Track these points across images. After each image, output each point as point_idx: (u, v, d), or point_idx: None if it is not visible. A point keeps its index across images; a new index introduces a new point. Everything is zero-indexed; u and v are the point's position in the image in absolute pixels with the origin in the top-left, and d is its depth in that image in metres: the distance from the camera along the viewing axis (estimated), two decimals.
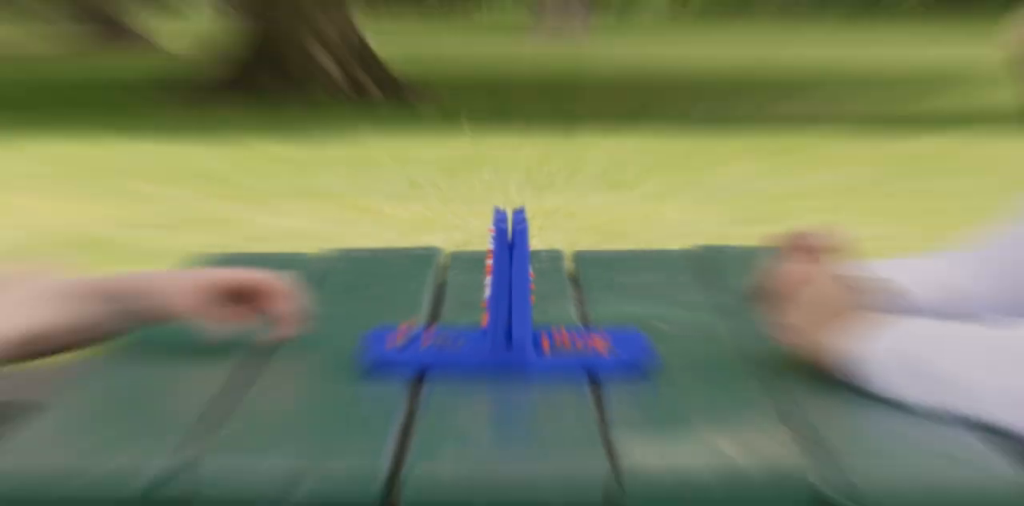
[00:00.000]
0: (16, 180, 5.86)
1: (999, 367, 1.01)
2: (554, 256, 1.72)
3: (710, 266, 1.67)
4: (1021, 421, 0.97)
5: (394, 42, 12.04)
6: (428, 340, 1.19)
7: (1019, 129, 7.06)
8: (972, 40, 14.43)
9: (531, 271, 1.12)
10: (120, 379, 1.19)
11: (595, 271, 1.67)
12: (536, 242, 1.18)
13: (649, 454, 0.95)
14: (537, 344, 1.15)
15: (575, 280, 1.59)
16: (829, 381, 1.11)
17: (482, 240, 1.18)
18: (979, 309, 1.22)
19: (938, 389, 1.02)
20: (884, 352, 1.05)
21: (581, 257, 1.74)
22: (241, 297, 1.20)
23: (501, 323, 1.11)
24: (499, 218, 1.10)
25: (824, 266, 1.15)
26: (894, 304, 1.17)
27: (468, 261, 1.72)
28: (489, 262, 1.10)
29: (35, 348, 1.21)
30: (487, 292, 1.11)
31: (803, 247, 1.18)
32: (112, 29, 15.66)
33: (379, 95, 9.49)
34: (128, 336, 1.26)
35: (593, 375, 1.12)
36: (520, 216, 1.09)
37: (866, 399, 1.09)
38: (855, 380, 1.07)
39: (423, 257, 1.76)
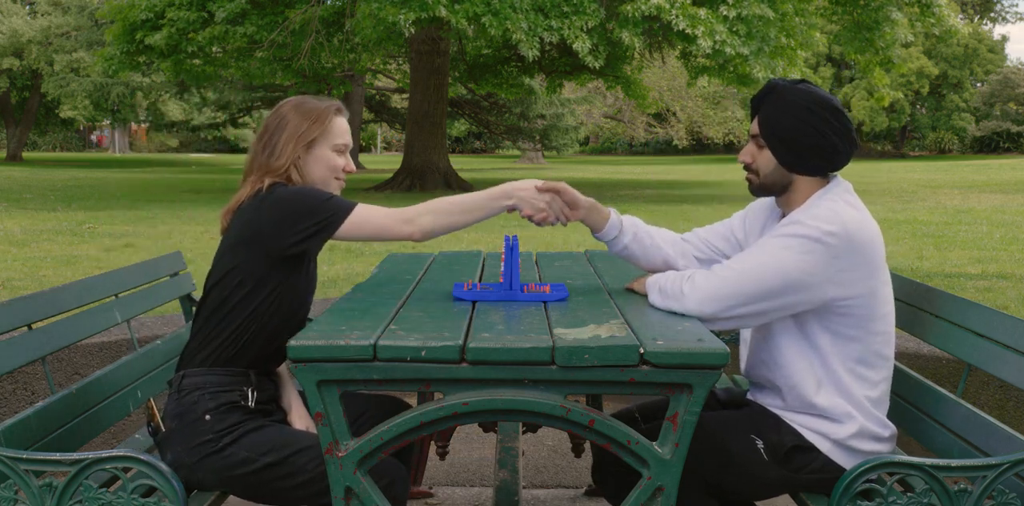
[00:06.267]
0: None
1: (674, 288, 2.31)
2: (528, 254, 3.21)
3: (591, 258, 3.20)
4: (677, 305, 2.29)
5: (458, 164, 26.30)
6: (478, 287, 2.50)
7: None
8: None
9: (519, 260, 2.45)
10: (345, 304, 2.36)
11: (544, 259, 3.18)
12: (521, 248, 2.74)
13: (566, 334, 2.01)
14: (521, 288, 2.45)
15: (536, 263, 3.05)
16: (642, 303, 2.38)
17: (501, 246, 2.75)
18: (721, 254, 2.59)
19: (659, 298, 2.33)
20: (650, 283, 2.38)
21: (540, 254, 3.22)
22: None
23: (507, 280, 2.41)
24: (507, 239, 2.41)
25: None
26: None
27: (493, 256, 3.25)
28: (502, 256, 2.43)
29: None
30: (502, 268, 2.43)
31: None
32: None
33: (458, 189, 20.09)
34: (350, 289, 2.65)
35: (544, 302, 2.40)
36: (514, 238, 2.41)
37: (655, 312, 2.30)
38: (648, 296, 2.38)
39: (475, 254, 3.28)
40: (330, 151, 2.50)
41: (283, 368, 2.64)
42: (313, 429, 2.52)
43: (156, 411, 2.46)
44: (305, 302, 2.54)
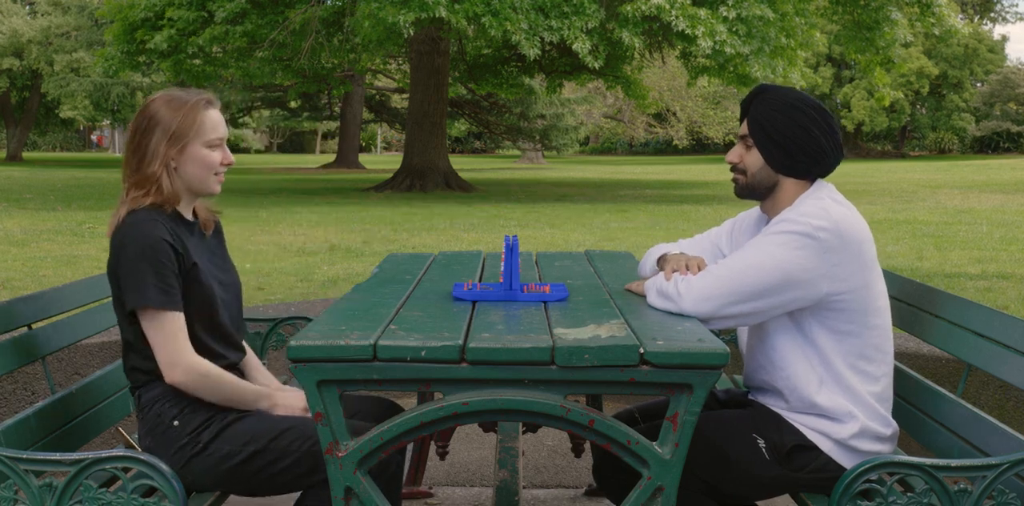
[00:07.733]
0: (301, 224, 12.44)
1: (669, 289, 2.31)
2: (528, 254, 3.22)
3: (591, 258, 3.19)
4: (673, 304, 2.29)
5: (458, 164, 25.89)
6: (478, 287, 2.50)
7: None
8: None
9: (519, 260, 2.45)
10: (345, 304, 2.36)
11: (544, 259, 3.18)
12: (521, 248, 2.72)
13: (566, 335, 2.05)
14: (521, 288, 2.45)
15: (536, 263, 3.05)
16: (642, 303, 2.39)
17: (501, 246, 2.73)
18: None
19: (657, 298, 2.34)
20: (648, 285, 2.39)
21: (540, 254, 3.23)
22: None
23: (507, 280, 2.41)
24: (507, 239, 2.41)
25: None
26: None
27: (493, 256, 3.25)
28: (502, 256, 2.43)
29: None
30: (502, 268, 2.43)
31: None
32: (344, 160, 36.23)
33: (457, 189, 20.62)
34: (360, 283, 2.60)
35: (544, 302, 2.40)
36: (514, 238, 2.41)
37: (655, 312, 2.29)
38: (646, 297, 2.39)
39: (475, 254, 3.29)
40: (204, 148, 2.40)
41: (248, 362, 2.63)
42: (293, 412, 2.51)
43: (126, 435, 2.44)
44: (215, 310, 2.45)
